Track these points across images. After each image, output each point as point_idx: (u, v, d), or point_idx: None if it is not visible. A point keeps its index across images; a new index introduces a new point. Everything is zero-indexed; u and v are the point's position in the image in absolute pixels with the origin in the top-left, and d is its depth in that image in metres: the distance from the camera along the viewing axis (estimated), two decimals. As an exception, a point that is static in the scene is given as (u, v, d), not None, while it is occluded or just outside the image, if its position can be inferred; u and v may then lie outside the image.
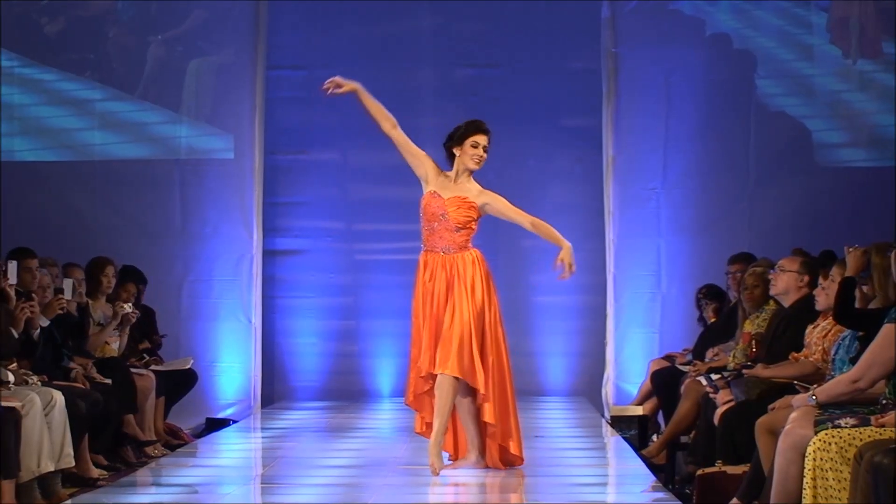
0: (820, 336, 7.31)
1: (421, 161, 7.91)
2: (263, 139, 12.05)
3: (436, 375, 7.65)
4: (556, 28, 12.34)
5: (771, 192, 11.86)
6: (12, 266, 8.55)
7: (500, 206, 7.97)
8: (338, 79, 7.88)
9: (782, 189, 11.86)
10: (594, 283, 12.08)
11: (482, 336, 7.75)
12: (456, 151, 7.87)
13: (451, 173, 7.91)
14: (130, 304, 9.99)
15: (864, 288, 6.67)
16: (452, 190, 7.88)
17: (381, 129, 7.85)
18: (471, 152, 7.85)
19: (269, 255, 12.27)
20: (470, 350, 7.65)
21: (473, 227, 7.94)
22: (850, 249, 6.85)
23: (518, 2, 12.32)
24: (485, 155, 7.89)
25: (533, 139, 12.44)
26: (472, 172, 7.91)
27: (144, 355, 10.20)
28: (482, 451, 7.84)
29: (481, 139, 7.86)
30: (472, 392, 7.71)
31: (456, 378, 7.58)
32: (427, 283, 7.81)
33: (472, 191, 7.89)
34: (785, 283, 7.98)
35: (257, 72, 12.04)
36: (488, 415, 7.67)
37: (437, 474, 7.59)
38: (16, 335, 8.32)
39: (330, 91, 7.86)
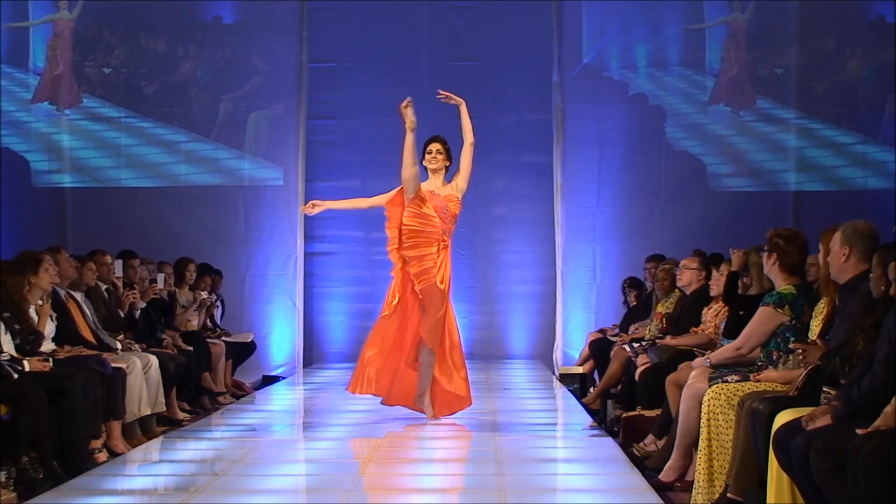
0: (713, 315, 7.30)
1: (396, 192, 7.65)
2: (305, 170, 12.03)
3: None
4: (518, 89, 12.31)
5: (676, 209, 11.85)
6: (118, 263, 8.54)
7: (460, 172, 7.69)
8: (314, 202, 7.79)
9: (685, 207, 11.85)
10: (547, 277, 12.09)
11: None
12: (424, 163, 7.68)
13: (429, 181, 7.63)
14: (206, 292, 9.96)
15: (745, 279, 6.66)
16: (443, 190, 7.64)
17: (364, 208, 7.87)
18: (428, 158, 7.67)
19: (308, 255, 12.23)
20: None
21: (458, 218, 7.71)
22: (734, 251, 6.84)
23: (491, 70, 12.30)
24: (439, 157, 7.65)
25: (502, 170, 12.41)
26: (436, 172, 7.62)
27: (217, 329, 10.16)
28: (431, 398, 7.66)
29: (434, 146, 7.69)
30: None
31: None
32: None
33: (453, 188, 7.66)
34: (688, 277, 7.96)
35: (300, 121, 12.02)
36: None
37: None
38: (122, 315, 8.29)
39: (305, 211, 7.84)
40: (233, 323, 10.90)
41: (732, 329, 6.31)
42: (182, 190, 11.93)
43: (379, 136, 12.28)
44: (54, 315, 7.00)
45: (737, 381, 5.53)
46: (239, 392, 9.95)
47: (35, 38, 11.97)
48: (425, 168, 7.69)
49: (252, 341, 10.52)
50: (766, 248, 5.81)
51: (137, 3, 11.97)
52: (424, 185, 7.64)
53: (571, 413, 8.48)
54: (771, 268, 5.78)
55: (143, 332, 8.40)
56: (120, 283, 8.43)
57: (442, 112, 12.26)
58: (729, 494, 5.19)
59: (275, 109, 12.09)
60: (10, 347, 6.39)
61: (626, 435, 7.01)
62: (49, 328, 6.90)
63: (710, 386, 5.59)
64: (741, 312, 6.37)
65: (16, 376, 6.12)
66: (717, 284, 7.23)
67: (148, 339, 8.38)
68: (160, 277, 9.15)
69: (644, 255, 10.24)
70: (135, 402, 7.29)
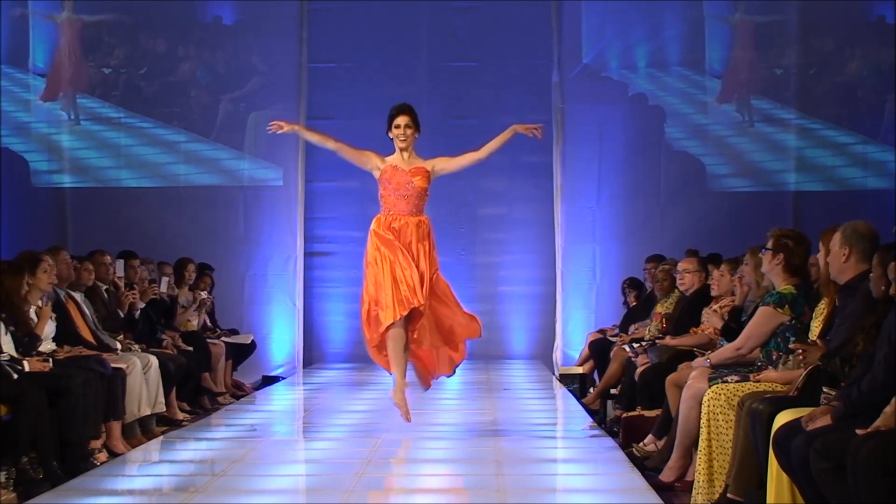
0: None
1: (367, 157, 7.09)
2: (305, 171, 12.03)
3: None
4: (518, 89, 12.29)
5: (676, 210, 11.85)
6: (119, 263, 8.55)
7: (446, 161, 7.19)
8: (280, 122, 7.23)
9: (684, 207, 11.85)
10: (547, 277, 12.08)
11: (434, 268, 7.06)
12: (390, 136, 7.10)
13: (396, 154, 7.10)
14: (206, 292, 9.96)
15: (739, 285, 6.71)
16: (409, 163, 7.06)
17: (329, 149, 7.15)
18: (395, 133, 7.05)
19: (308, 255, 12.22)
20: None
21: (428, 194, 7.13)
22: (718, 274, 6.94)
23: (491, 70, 12.31)
24: (408, 131, 7.02)
25: (502, 171, 12.40)
26: (404, 149, 7.05)
27: (216, 329, 10.15)
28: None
29: (402, 119, 7.03)
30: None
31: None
32: (389, 236, 6.94)
33: (425, 162, 7.12)
34: (690, 280, 7.97)
35: (300, 121, 11.94)
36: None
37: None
38: (122, 315, 8.29)
39: (272, 131, 7.17)
40: (233, 323, 10.90)
41: (733, 329, 6.32)
42: (182, 190, 11.93)
43: (379, 136, 12.16)
44: (54, 315, 7.00)
45: (736, 382, 5.53)
46: (239, 392, 9.94)
47: (35, 38, 11.97)
48: (391, 140, 7.15)
49: (252, 342, 10.52)
50: (769, 247, 5.80)
51: (137, 3, 11.97)
52: (389, 158, 7.13)
53: (571, 413, 8.47)
54: (774, 267, 5.78)
55: (143, 333, 8.40)
56: (122, 284, 8.43)
57: (442, 113, 12.34)
58: (729, 494, 5.19)
59: (275, 110, 12.05)
60: (10, 348, 6.39)
61: (626, 435, 7.00)
62: (49, 328, 6.90)
63: (709, 386, 5.59)
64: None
65: (16, 376, 6.12)
66: (717, 284, 7.24)
67: (148, 339, 8.38)
68: (164, 282, 9.18)
69: (644, 255, 10.23)
70: (135, 402, 7.29)
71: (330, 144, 7.26)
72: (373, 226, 7.10)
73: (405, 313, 6.89)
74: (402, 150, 7.10)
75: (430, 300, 6.99)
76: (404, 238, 7.00)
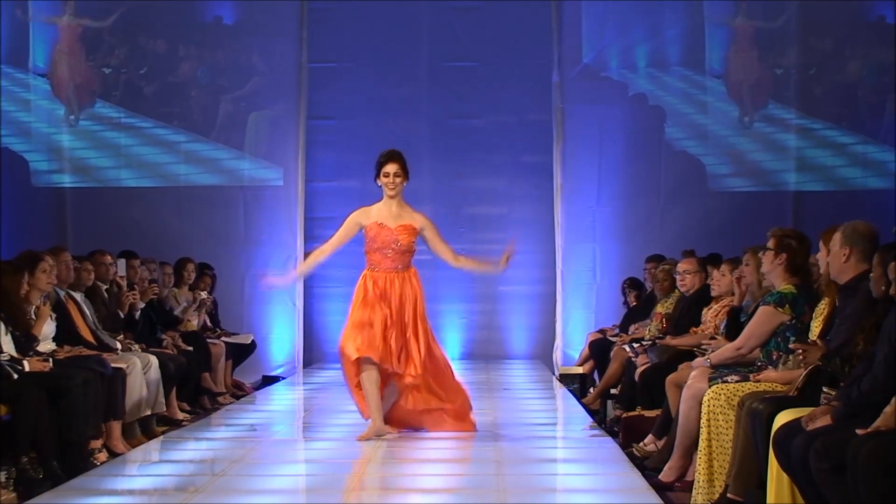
0: (713, 315, 7.31)
1: (351, 227, 7.01)
2: (305, 171, 12.03)
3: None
4: (518, 89, 12.28)
5: (676, 209, 11.85)
6: (121, 263, 8.55)
7: (432, 235, 7.02)
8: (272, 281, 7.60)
9: (684, 207, 11.85)
10: (547, 277, 12.08)
11: (427, 332, 7.02)
12: (378, 183, 6.96)
13: (383, 203, 6.96)
14: (206, 292, 9.96)
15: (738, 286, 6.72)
16: (396, 219, 6.92)
17: (327, 257, 6.98)
18: (384, 181, 6.89)
19: (308, 255, 12.19)
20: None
21: (415, 248, 7.02)
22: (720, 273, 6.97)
23: (491, 70, 12.30)
24: (397, 180, 6.87)
25: (502, 171, 12.40)
26: (393, 198, 6.91)
27: (217, 329, 10.15)
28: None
29: (391, 168, 6.87)
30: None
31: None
32: (374, 293, 6.88)
33: (414, 218, 6.97)
34: (691, 281, 7.98)
35: (300, 121, 12.01)
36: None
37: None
38: (122, 315, 8.30)
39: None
40: (233, 323, 10.91)
41: (734, 329, 6.32)
42: (182, 190, 11.93)
43: (379, 136, 12.25)
44: (54, 315, 7.00)
45: (737, 382, 5.54)
46: (239, 392, 9.94)
47: (35, 38, 11.97)
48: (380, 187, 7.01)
49: (252, 342, 10.52)
50: (770, 247, 5.80)
51: (137, 3, 11.97)
52: (375, 211, 6.99)
53: (571, 413, 8.47)
54: (776, 267, 5.78)
55: (143, 333, 8.40)
56: (124, 283, 8.43)
57: (442, 113, 12.33)
58: (729, 494, 5.19)
59: (275, 109, 12.08)
60: (10, 347, 6.39)
61: (626, 435, 7.00)
62: (49, 328, 6.90)
63: (709, 386, 5.60)
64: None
65: (16, 376, 6.12)
66: (717, 284, 7.24)
67: (148, 339, 8.38)
68: (181, 308, 9.30)
69: (644, 255, 10.23)
70: (135, 402, 7.29)
71: (323, 258, 7.15)
72: (360, 281, 7.00)
73: (366, 355, 6.81)
74: (390, 197, 6.95)
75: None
76: (391, 298, 6.89)
